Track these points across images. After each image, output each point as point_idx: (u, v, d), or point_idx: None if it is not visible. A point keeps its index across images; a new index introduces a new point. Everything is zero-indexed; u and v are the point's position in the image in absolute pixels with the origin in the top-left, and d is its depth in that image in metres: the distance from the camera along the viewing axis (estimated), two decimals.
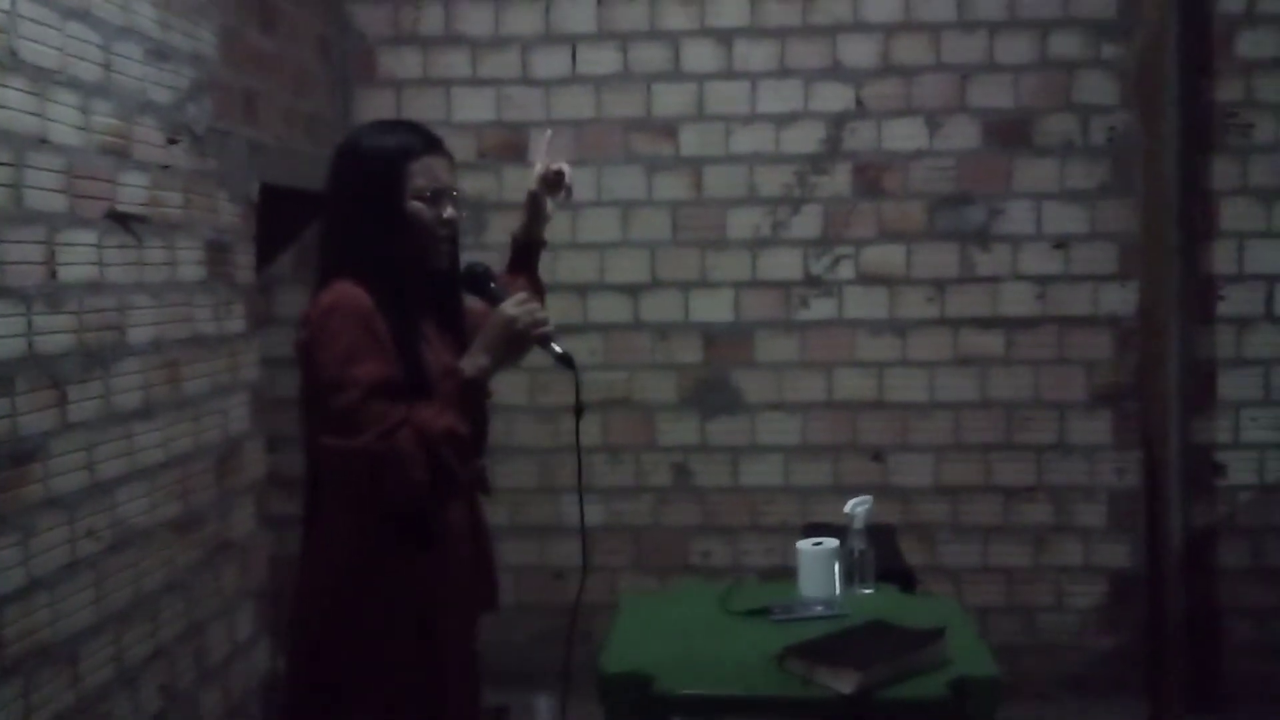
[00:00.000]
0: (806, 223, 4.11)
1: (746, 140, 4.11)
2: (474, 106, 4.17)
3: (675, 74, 4.12)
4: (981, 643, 2.26)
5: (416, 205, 2.01)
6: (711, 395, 4.16)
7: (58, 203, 2.37)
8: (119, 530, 2.58)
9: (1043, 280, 4.05)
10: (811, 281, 4.12)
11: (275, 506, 3.63)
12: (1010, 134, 4.04)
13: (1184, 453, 3.90)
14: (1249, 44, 3.91)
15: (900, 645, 2.10)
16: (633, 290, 4.17)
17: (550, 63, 4.14)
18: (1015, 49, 4.02)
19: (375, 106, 4.12)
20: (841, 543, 2.56)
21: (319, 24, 3.95)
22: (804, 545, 2.54)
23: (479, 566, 2.14)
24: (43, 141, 2.32)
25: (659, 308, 4.16)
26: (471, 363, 1.96)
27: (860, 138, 4.08)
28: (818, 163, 4.09)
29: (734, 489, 4.16)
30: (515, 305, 1.98)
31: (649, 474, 4.18)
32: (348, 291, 1.94)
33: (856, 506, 2.59)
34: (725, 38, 4.10)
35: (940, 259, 4.08)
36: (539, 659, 4.05)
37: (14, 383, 2.21)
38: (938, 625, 2.18)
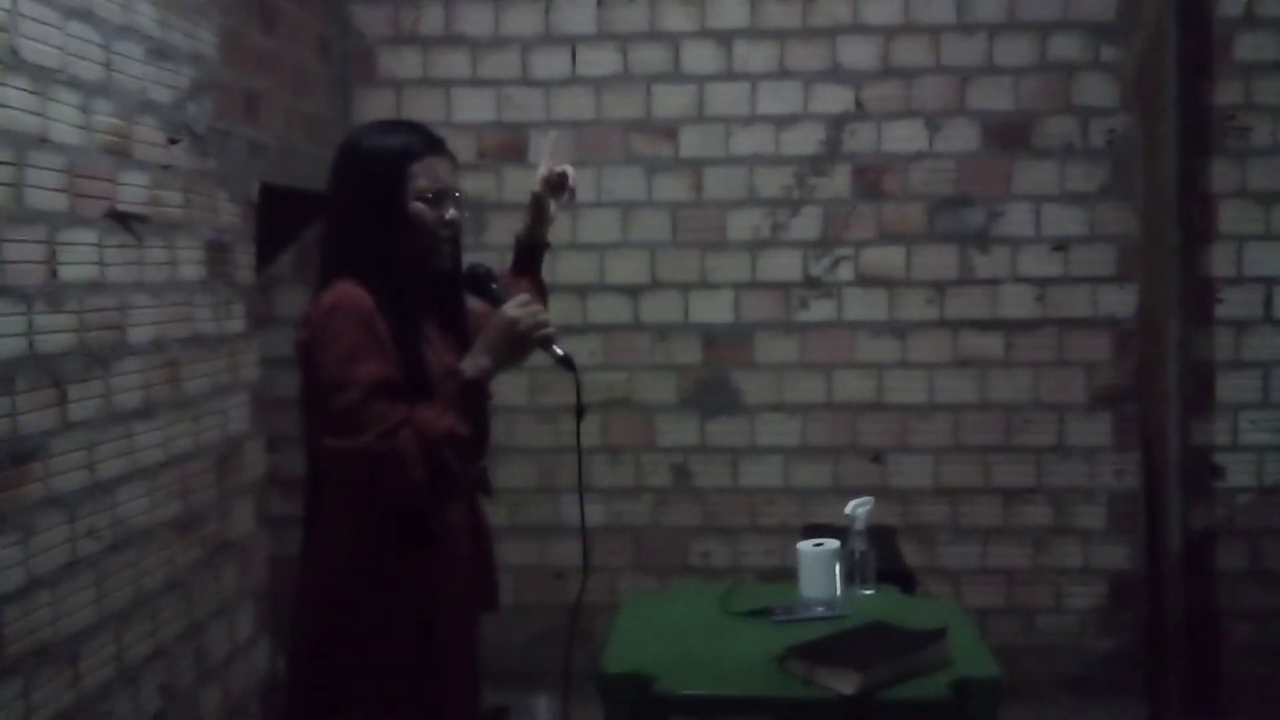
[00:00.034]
0: (806, 224, 4.11)
1: (746, 142, 4.11)
2: (474, 107, 4.17)
3: (675, 75, 4.12)
4: (982, 644, 2.25)
5: (418, 206, 2.00)
6: (711, 396, 4.17)
7: (58, 202, 2.37)
8: (119, 530, 2.57)
9: (1042, 282, 4.06)
10: (811, 283, 4.12)
11: (275, 506, 3.63)
12: (1010, 136, 4.04)
13: (1183, 455, 3.91)
14: (1248, 47, 3.91)
15: (901, 646, 2.10)
16: (632, 291, 4.17)
17: (550, 63, 4.14)
18: (1015, 51, 4.02)
19: (375, 107, 4.13)
20: (842, 544, 2.56)
21: (319, 24, 3.95)
22: (805, 546, 2.54)
23: (480, 567, 2.14)
24: (43, 141, 2.32)
25: (659, 309, 4.16)
26: (473, 364, 1.96)
27: (860, 139, 4.08)
28: (817, 164, 4.10)
29: (734, 490, 4.17)
30: (517, 307, 1.98)
31: (649, 474, 4.18)
32: (349, 292, 1.94)
33: (858, 508, 2.59)
34: (725, 39, 4.10)
35: (940, 261, 4.08)
36: (538, 659, 4.05)
37: (14, 382, 2.21)
38: (939, 626, 2.18)
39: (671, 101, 4.12)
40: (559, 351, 2.01)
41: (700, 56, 4.11)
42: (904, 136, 4.07)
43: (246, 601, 3.26)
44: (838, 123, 4.08)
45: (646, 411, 4.18)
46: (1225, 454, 3.98)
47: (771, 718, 2.29)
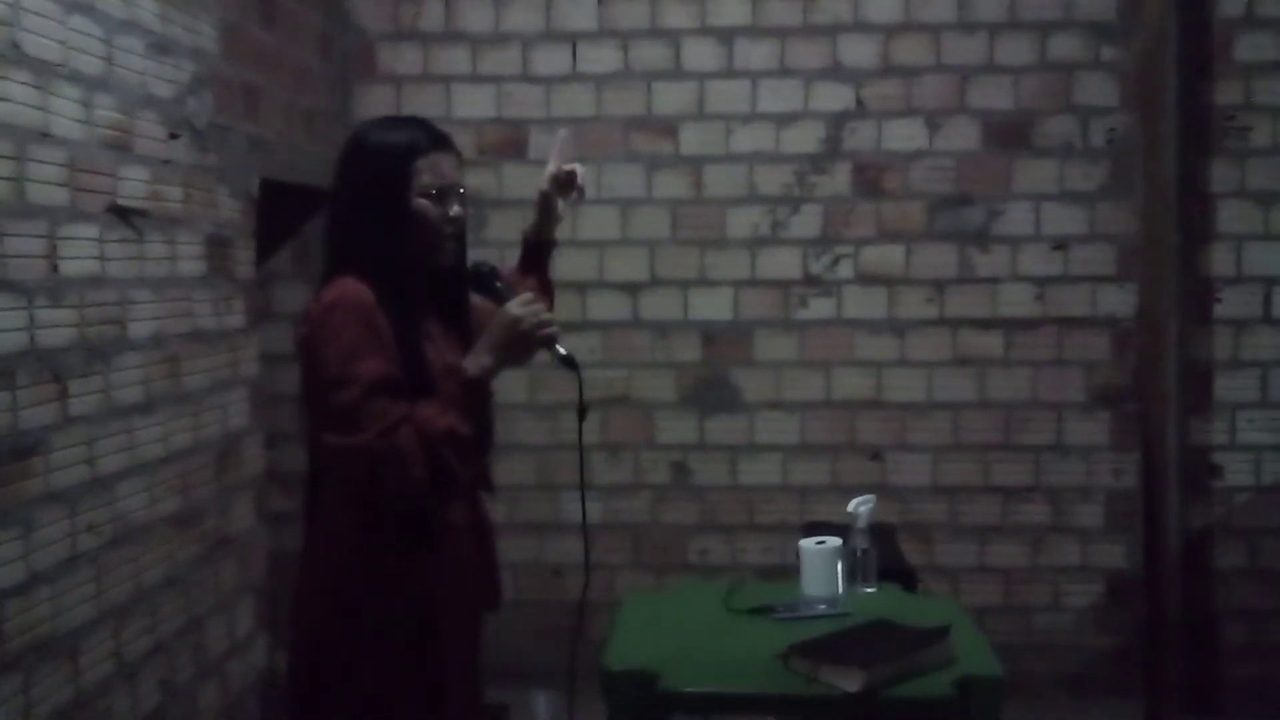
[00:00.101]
0: (806, 222, 4.11)
1: (746, 139, 4.11)
2: (474, 103, 4.16)
3: (676, 73, 4.12)
4: (984, 642, 2.25)
5: (422, 203, 1.99)
6: (710, 394, 4.16)
7: (59, 196, 2.36)
8: (119, 525, 2.57)
9: (1042, 281, 4.06)
10: (811, 281, 4.12)
11: (274, 502, 3.63)
12: (1010, 135, 4.04)
13: (1181, 454, 3.91)
14: (1248, 47, 3.92)
15: (905, 644, 2.10)
16: (632, 289, 4.17)
17: (551, 60, 4.14)
18: (1015, 50, 4.02)
19: (375, 102, 4.12)
20: (844, 542, 2.56)
21: (319, 19, 3.94)
22: (807, 544, 2.54)
23: (482, 566, 2.13)
24: (44, 135, 2.31)
25: (658, 306, 4.16)
26: (475, 362, 1.95)
27: (860, 138, 4.08)
28: (817, 162, 4.10)
29: (732, 487, 4.17)
30: (520, 305, 1.97)
31: (647, 472, 4.18)
32: (350, 288, 1.92)
33: (860, 505, 2.59)
34: (726, 37, 4.10)
35: (939, 259, 4.08)
36: (537, 656, 4.04)
37: (15, 376, 2.20)
38: (941, 624, 2.18)
39: (672, 99, 4.12)
40: (562, 351, 2.00)
41: (701, 54, 4.10)
42: (904, 135, 4.07)
43: (245, 597, 3.25)
44: (838, 121, 4.08)
45: (646, 409, 4.18)
46: (1223, 453, 3.99)
47: (775, 715, 2.29)
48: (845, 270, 4.11)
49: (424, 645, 1.97)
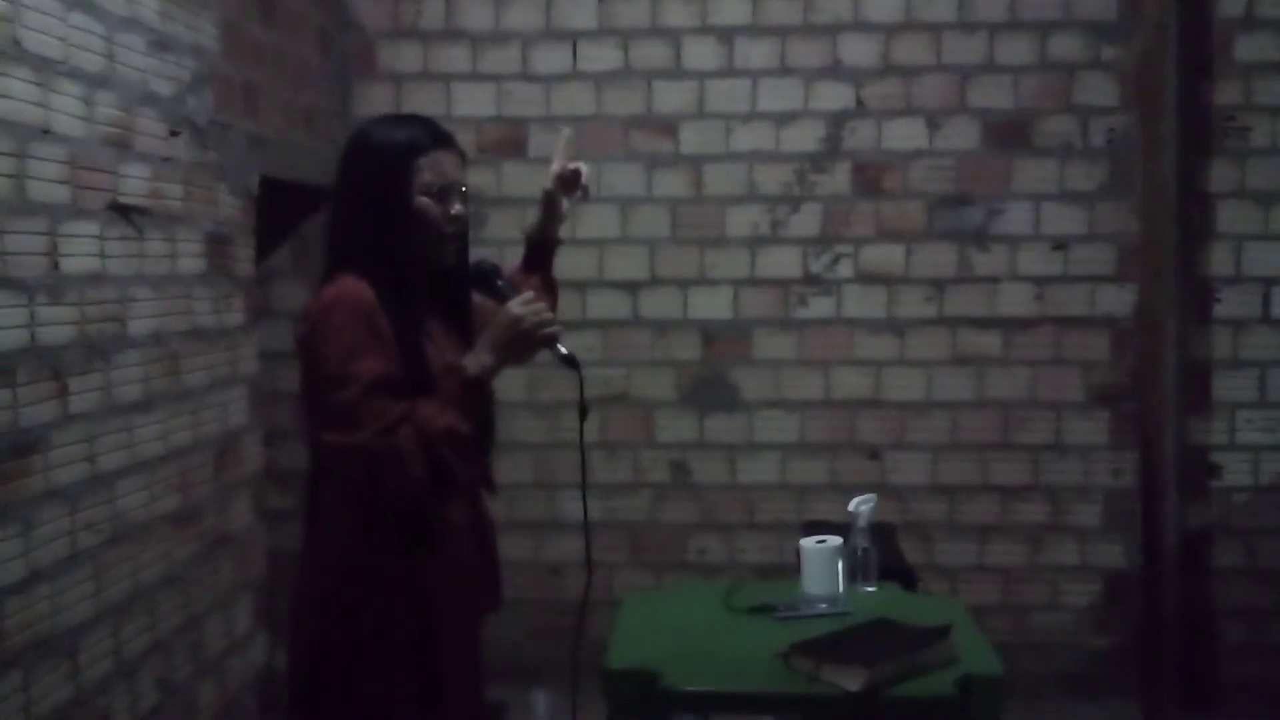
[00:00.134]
0: (806, 221, 4.11)
1: (746, 138, 4.11)
2: (474, 102, 4.16)
3: (676, 71, 4.12)
4: (985, 642, 2.26)
5: (424, 201, 1.98)
6: (709, 393, 4.16)
7: (60, 194, 2.36)
8: (118, 523, 2.56)
9: (1041, 281, 4.06)
10: (810, 280, 4.12)
11: (272, 500, 3.62)
12: (1010, 135, 4.04)
13: (1180, 453, 3.92)
14: (1248, 47, 3.92)
15: (906, 643, 2.10)
16: (632, 287, 4.17)
17: (551, 59, 4.13)
18: (1015, 50, 4.02)
19: (374, 101, 4.11)
20: (844, 540, 2.56)
21: (319, 17, 3.93)
22: (808, 543, 2.54)
23: (483, 566, 2.12)
24: (45, 132, 2.30)
25: (658, 305, 4.16)
26: (475, 361, 1.94)
27: (860, 137, 4.08)
28: (817, 162, 4.09)
29: (731, 486, 4.17)
30: (521, 304, 1.96)
31: (646, 471, 4.18)
32: (350, 286, 1.92)
33: (861, 505, 2.59)
34: (726, 36, 4.10)
35: (939, 259, 4.08)
36: (534, 655, 4.05)
37: (15, 374, 2.20)
38: (942, 623, 2.18)
39: (672, 98, 4.12)
40: (563, 350, 2.00)
41: (701, 53, 4.10)
42: (904, 134, 4.07)
43: (244, 595, 3.25)
44: (838, 120, 4.08)
45: (645, 408, 4.18)
46: (1222, 453, 4.00)
47: (777, 714, 2.29)
48: (845, 269, 4.11)
49: (424, 645, 1.97)
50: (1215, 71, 3.92)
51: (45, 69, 2.30)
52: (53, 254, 2.32)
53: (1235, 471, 3.99)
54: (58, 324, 2.34)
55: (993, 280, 4.07)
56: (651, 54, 4.11)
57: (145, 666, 2.67)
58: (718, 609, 2.46)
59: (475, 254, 2.14)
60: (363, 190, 2.00)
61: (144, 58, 2.70)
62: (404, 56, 4.16)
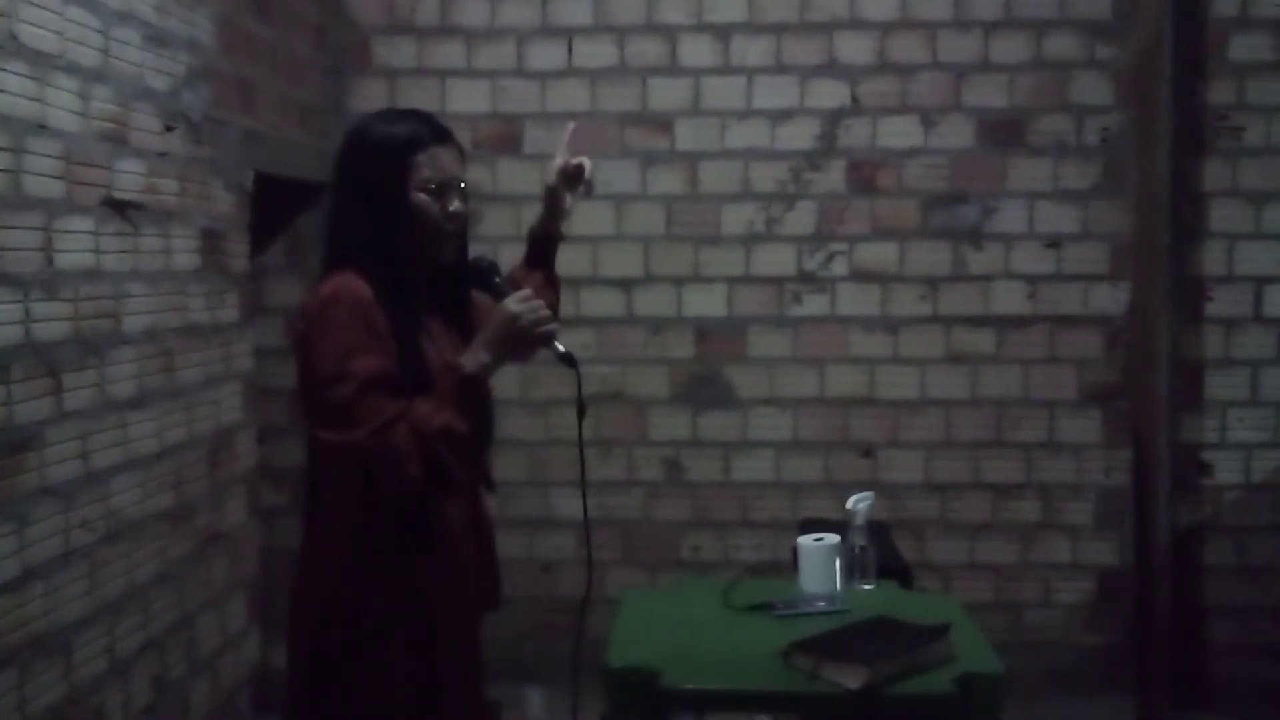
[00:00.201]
0: (800, 219, 4.11)
1: (742, 136, 4.10)
2: (469, 98, 4.14)
3: (671, 68, 4.11)
4: (984, 640, 2.26)
5: (421, 197, 1.97)
6: (704, 390, 4.16)
7: (55, 189, 2.34)
8: (112, 521, 2.55)
9: (1034, 279, 4.07)
10: (805, 278, 4.12)
11: (265, 497, 3.61)
12: (1004, 133, 4.05)
13: (1171, 452, 3.93)
14: (1242, 47, 3.93)
15: (907, 641, 2.10)
16: (626, 284, 4.16)
17: (546, 55, 4.12)
18: (1010, 49, 4.03)
19: (369, 96, 4.09)
20: (841, 538, 2.56)
21: (315, 13, 3.92)
22: (805, 541, 2.54)
23: (482, 565, 2.11)
24: (41, 127, 2.29)
25: (652, 302, 4.15)
26: (472, 359, 1.93)
27: (855, 135, 4.08)
28: (812, 159, 4.09)
29: (725, 484, 4.17)
30: (519, 302, 1.95)
31: (640, 468, 4.18)
32: (348, 283, 1.90)
33: (859, 503, 2.59)
34: (722, 33, 4.09)
35: (933, 257, 4.09)
36: (527, 653, 4.05)
37: (10, 370, 2.18)
38: (942, 622, 2.18)
39: (667, 94, 4.11)
40: (561, 348, 1.98)
41: (697, 50, 4.10)
42: (899, 132, 4.07)
43: (237, 593, 3.23)
44: (833, 118, 4.08)
45: (639, 405, 4.17)
46: (1213, 451, 4.01)
47: (777, 712, 2.29)
48: (839, 267, 4.11)
49: (424, 645, 1.95)
50: (1209, 71, 3.93)
51: (41, 63, 2.28)
52: (48, 249, 2.31)
53: (1227, 470, 4.00)
54: (52, 320, 2.32)
55: (986, 279, 4.08)
56: (647, 51, 4.10)
57: (139, 664, 2.66)
58: (717, 607, 2.46)
59: (472, 251, 2.13)
60: (360, 186, 1.99)
61: (140, 52, 2.68)
62: (399, 52, 4.14)
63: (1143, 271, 3.98)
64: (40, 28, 2.28)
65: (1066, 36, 4.01)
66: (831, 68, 4.07)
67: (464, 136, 4.03)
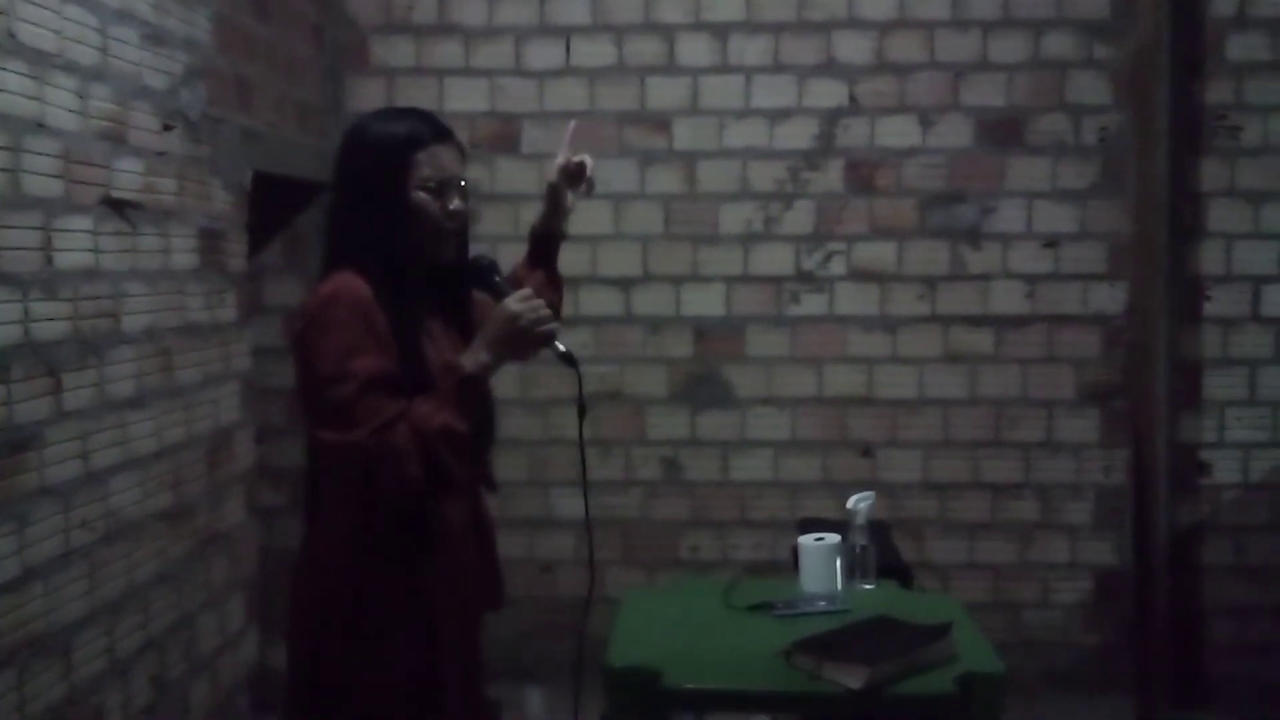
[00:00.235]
0: (798, 218, 4.11)
1: (740, 135, 4.10)
2: (467, 97, 4.14)
3: (669, 67, 4.11)
4: (985, 640, 2.26)
5: (421, 196, 1.96)
6: (702, 389, 4.16)
7: (54, 188, 2.34)
8: (111, 521, 2.54)
9: (1033, 279, 4.07)
10: (803, 277, 4.12)
11: (264, 497, 3.60)
12: (1002, 133, 4.05)
13: (1170, 451, 3.93)
14: (1239, 47, 3.94)
15: (908, 641, 2.10)
16: (624, 284, 4.16)
17: (544, 54, 4.12)
18: (1008, 48, 4.03)
19: (367, 95, 4.09)
20: (842, 538, 2.56)
21: (312, 11, 3.91)
22: (806, 540, 2.54)
23: (483, 565, 2.11)
24: (40, 126, 2.28)
25: (650, 301, 4.15)
26: (472, 358, 1.92)
27: (853, 134, 4.08)
28: (810, 159, 4.09)
29: (724, 483, 4.16)
30: (519, 301, 1.94)
31: (638, 468, 4.18)
32: (347, 283, 1.90)
33: (859, 502, 2.59)
34: (720, 32, 4.09)
35: (931, 256, 4.09)
36: (526, 653, 4.04)
37: (10, 370, 2.18)
38: (943, 621, 2.18)
39: (665, 94, 4.11)
40: (561, 348, 1.98)
41: (695, 49, 4.09)
42: (897, 132, 4.07)
43: (236, 593, 3.23)
44: (831, 117, 4.08)
45: (637, 404, 4.17)
46: (1212, 451, 4.01)
47: (778, 712, 2.29)
48: (837, 267, 4.11)
49: (423, 646, 1.95)
50: (1207, 71, 3.94)
51: (40, 62, 2.28)
52: (47, 249, 2.30)
53: (1225, 469, 4.01)
54: (52, 319, 2.32)
55: (985, 278, 4.08)
56: (645, 50, 4.10)
57: (139, 664, 2.65)
58: (717, 607, 2.46)
59: (472, 250, 2.12)
60: (360, 185, 1.98)
61: (138, 51, 2.68)
62: (397, 51, 4.14)
63: (1141, 271, 3.98)
64: (39, 26, 2.27)
65: (1064, 36, 4.01)
66: (830, 67, 4.07)
67: (462, 136, 4.05)
